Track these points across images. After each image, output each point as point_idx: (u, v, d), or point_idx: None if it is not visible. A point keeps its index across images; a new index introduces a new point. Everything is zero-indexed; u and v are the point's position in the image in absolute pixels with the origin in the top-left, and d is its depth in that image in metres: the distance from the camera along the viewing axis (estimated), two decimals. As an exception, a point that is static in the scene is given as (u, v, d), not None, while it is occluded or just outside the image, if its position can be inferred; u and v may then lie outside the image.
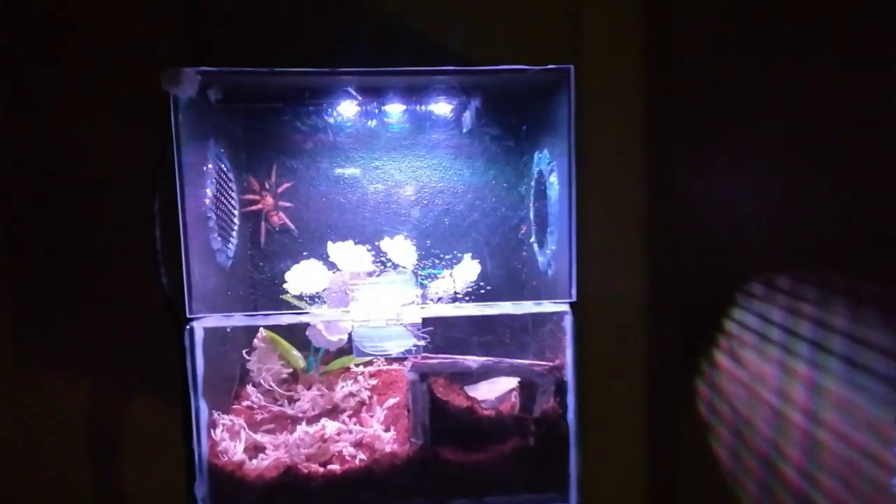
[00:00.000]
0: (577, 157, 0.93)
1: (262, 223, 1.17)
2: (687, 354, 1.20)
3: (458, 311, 0.88)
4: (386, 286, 0.88)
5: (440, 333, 0.92)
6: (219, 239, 0.99)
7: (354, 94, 0.88)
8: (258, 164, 1.16)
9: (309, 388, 1.09)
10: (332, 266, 1.08)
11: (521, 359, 0.97)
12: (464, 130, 1.07)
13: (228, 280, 1.05)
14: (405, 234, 1.16)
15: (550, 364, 0.94)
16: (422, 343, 0.88)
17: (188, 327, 0.87)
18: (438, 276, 1.16)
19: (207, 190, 0.96)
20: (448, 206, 1.20)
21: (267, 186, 1.17)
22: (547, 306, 0.90)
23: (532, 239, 1.12)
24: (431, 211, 1.20)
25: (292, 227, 1.18)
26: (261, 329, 1.13)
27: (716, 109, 1.16)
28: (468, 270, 1.15)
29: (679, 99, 1.15)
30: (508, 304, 0.89)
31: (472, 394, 1.14)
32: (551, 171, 0.98)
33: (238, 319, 0.87)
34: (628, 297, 1.15)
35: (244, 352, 1.11)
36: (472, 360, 0.93)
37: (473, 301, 1.08)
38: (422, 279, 1.15)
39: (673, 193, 1.17)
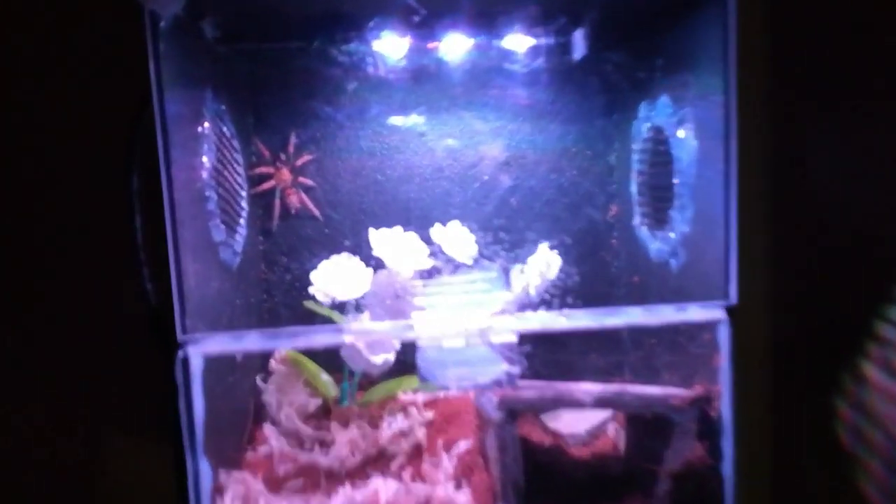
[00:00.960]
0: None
1: (276, 201, 0.90)
2: (826, 368, 0.93)
3: (570, 323, 0.61)
4: (464, 289, 0.61)
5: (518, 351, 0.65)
6: (222, 227, 0.72)
7: (414, 5, 0.61)
8: (271, 131, 0.89)
9: (345, 426, 0.82)
10: (370, 262, 0.82)
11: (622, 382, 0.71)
12: (574, 59, 0.80)
13: (237, 284, 0.78)
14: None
15: (693, 394, 0.67)
16: (516, 370, 0.61)
17: (180, 354, 0.60)
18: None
19: (204, 159, 0.68)
20: (516, 183, 0.93)
21: (282, 158, 0.89)
22: (693, 312, 0.62)
23: (637, 220, 0.84)
24: (494, 188, 0.93)
25: (315, 211, 0.91)
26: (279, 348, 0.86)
27: (863, 60, 0.88)
28: (546, 264, 0.88)
29: (814, 45, 0.88)
30: (637, 309, 0.62)
31: (551, 425, 0.87)
32: (679, 123, 0.70)
33: (253, 341, 0.60)
34: (753, 296, 0.87)
35: (258, 378, 0.84)
36: (584, 390, 0.65)
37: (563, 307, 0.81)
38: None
39: (809, 159, 0.90)
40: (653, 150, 0.78)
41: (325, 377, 0.86)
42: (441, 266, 0.76)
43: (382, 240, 0.77)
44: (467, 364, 0.60)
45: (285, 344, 0.60)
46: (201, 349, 0.60)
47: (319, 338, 0.60)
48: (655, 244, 0.78)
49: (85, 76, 0.77)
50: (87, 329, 0.80)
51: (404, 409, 0.86)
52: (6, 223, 0.80)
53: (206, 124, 0.70)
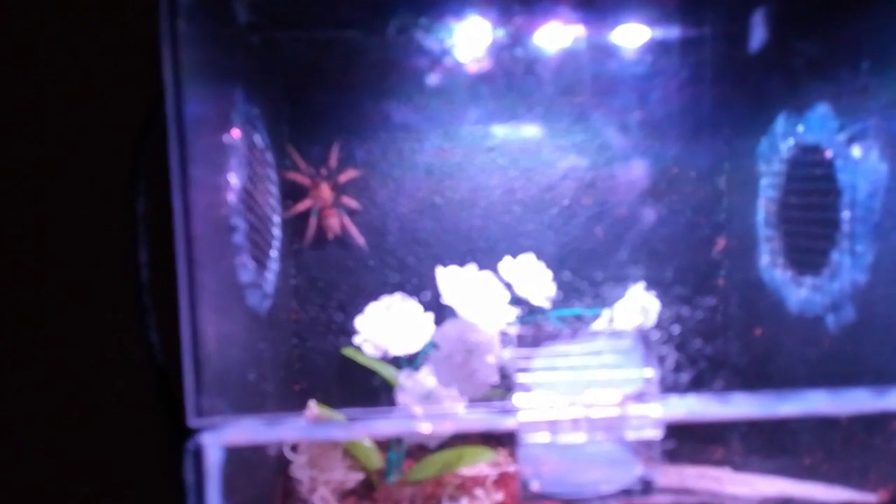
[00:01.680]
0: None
1: (312, 220, 0.74)
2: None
3: (730, 411, 0.44)
4: (584, 361, 0.44)
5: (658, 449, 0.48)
6: (251, 265, 0.56)
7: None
8: (309, 140, 0.73)
9: (395, 511, 0.65)
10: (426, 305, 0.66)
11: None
12: (683, 59, 0.64)
13: (266, 333, 0.62)
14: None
15: (877, 500, 0.50)
16: (653, 474, 0.44)
17: (191, 445, 0.44)
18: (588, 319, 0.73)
19: (232, 177, 0.53)
20: (601, 208, 0.77)
21: (323, 172, 0.73)
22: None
23: (767, 259, 0.67)
24: (575, 215, 0.77)
25: (360, 238, 0.75)
26: (311, 403, 0.70)
27: None
28: (642, 310, 0.72)
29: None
30: (820, 394, 0.45)
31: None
32: (851, 140, 0.54)
33: (292, 429, 0.44)
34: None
35: (286, 447, 0.68)
36: (735, 496, 0.49)
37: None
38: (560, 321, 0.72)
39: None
40: (799, 174, 0.62)
41: (366, 443, 0.70)
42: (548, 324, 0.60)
43: (455, 281, 0.61)
44: (589, 467, 0.43)
45: (337, 435, 0.44)
46: (221, 438, 0.44)
47: (384, 426, 0.44)
48: (800, 292, 0.62)
49: (78, 65, 0.61)
50: (72, 393, 0.63)
51: (465, 487, 0.69)
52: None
53: (235, 132, 0.54)
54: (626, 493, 0.45)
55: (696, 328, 0.75)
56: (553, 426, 0.44)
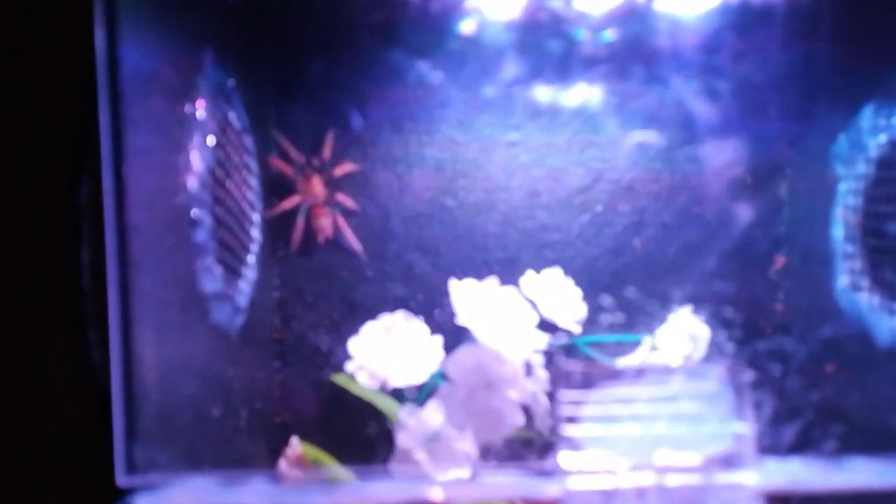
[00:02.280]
0: None
1: (300, 220, 0.63)
2: None
3: (846, 479, 0.33)
4: (654, 408, 0.33)
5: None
6: (219, 270, 0.45)
7: None
8: (299, 127, 0.62)
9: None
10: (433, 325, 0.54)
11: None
12: (749, 39, 0.53)
13: (237, 357, 0.51)
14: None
15: None
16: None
17: (121, 512, 0.32)
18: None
19: (195, 158, 0.41)
20: (640, 217, 0.66)
21: (315, 164, 0.62)
22: None
23: (846, 281, 0.56)
24: (610, 224, 0.66)
25: (356, 243, 0.64)
26: (293, 441, 0.58)
27: None
28: (689, 338, 0.60)
29: None
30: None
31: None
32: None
33: (253, 492, 0.32)
34: None
35: (262, 492, 0.56)
36: None
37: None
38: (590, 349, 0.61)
39: None
40: (895, 177, 0.51)
41: (359, 488, 0.58)
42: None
43: (474, 298, 0.49)
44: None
45: (316, 501, 0.32)
46: (162, 503, 0.32)
47: (381, 491, 0.32)
48: (894, 322, 0.50)
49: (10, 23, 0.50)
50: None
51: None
52: None
53: (201, 104, 0.43)
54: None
55: (748, 361, 0.64)
56: (611, 497, 0.32)
